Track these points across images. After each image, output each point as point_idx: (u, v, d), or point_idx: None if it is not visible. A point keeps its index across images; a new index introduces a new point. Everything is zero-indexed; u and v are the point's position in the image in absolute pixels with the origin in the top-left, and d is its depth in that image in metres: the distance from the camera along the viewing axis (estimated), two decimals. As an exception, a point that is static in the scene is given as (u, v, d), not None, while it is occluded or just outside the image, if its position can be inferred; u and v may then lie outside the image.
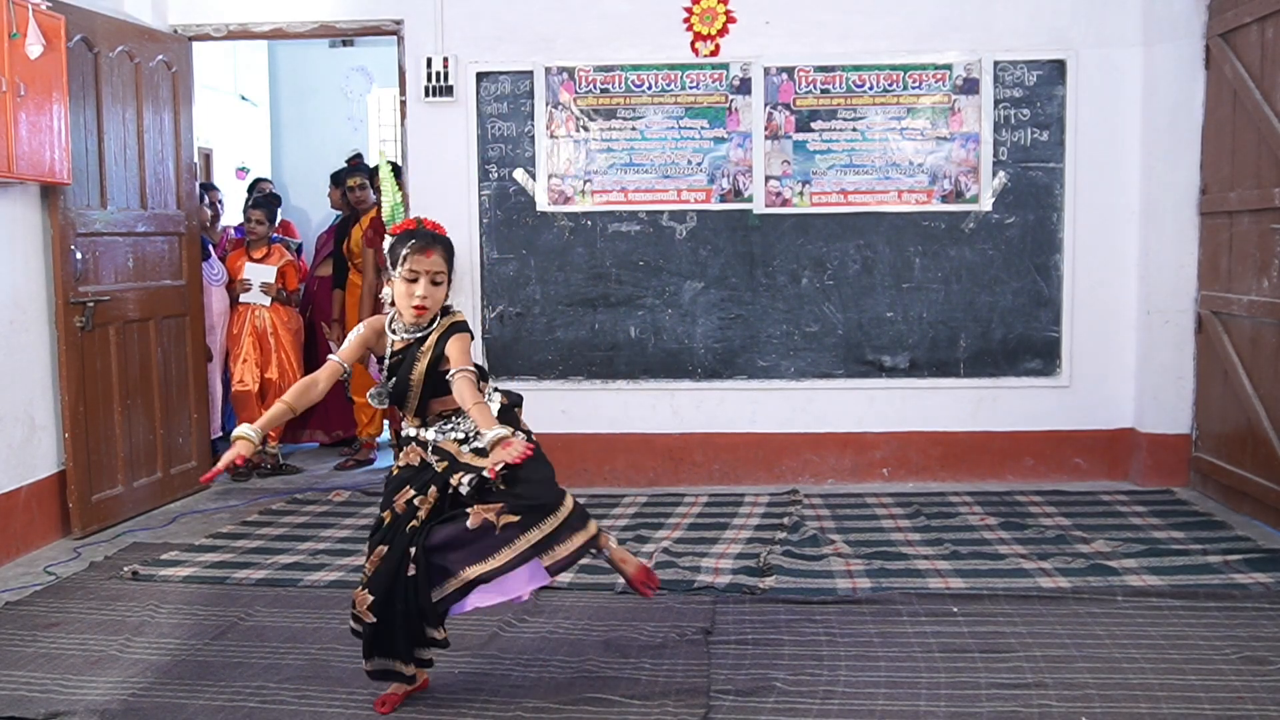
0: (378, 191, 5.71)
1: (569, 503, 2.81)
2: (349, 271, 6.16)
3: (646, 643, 3.28)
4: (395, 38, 5.52)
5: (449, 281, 2.84)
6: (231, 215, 7.37)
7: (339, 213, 6.77)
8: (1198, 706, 2.79)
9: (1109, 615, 3.45)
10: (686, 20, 5.36)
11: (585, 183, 5.42)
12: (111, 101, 4.90)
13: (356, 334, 2.92)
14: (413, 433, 2.89)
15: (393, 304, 2.87)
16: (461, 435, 2.82)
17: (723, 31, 5.35)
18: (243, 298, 5.95)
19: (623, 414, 5.49)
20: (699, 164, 5.40)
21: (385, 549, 2.78)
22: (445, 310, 2.88)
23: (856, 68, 5.32)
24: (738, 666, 3.11)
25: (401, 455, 2.92)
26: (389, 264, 2.86)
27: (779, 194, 5.38)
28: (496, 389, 2.94)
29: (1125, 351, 5.35)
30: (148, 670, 3.18)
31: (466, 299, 5.48)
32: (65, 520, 4.66)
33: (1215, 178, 4.95)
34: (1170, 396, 5.19)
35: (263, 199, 6.41)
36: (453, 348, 2.80)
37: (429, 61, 5.37)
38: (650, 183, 5.42)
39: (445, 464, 2.80)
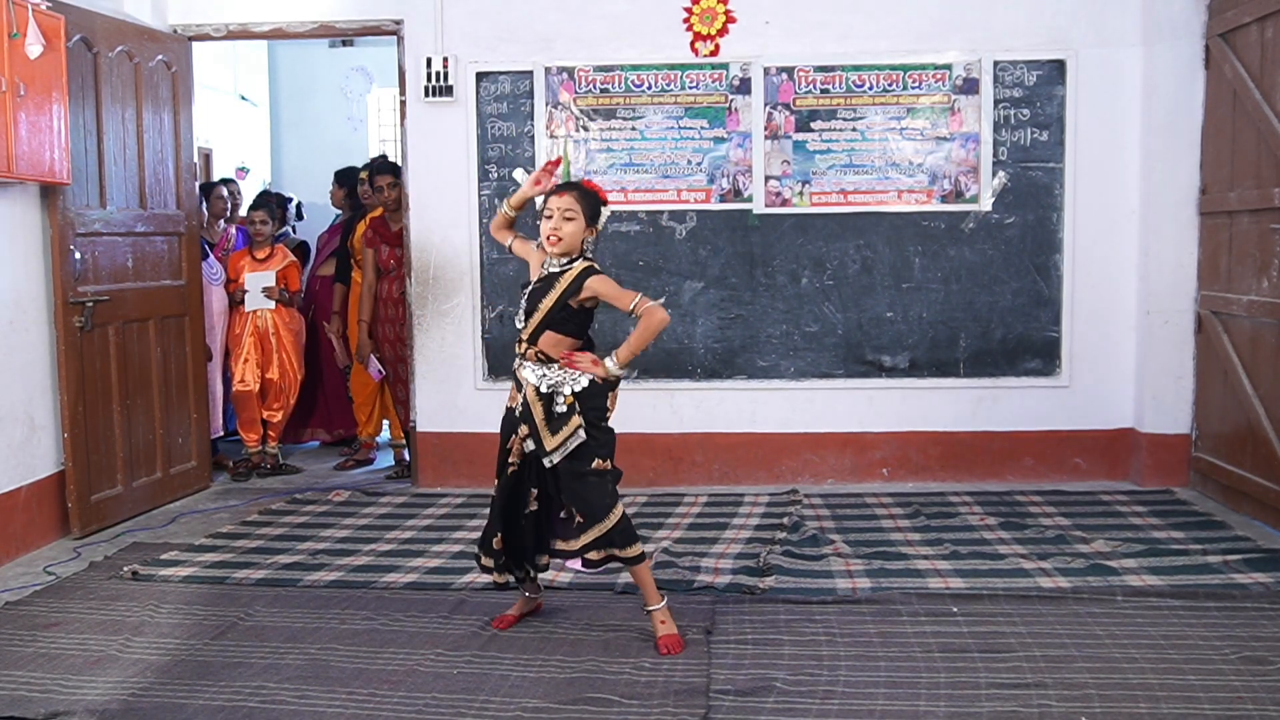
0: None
1: (612, 518, 3.25)
2: (352, 268, 6.15)
3: (646, 643, 3.28)
4: (395, 38, 5.51)
5: (586, 222, 3.24)
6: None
7: (339, 212, 6.77)
8: (1198, 706, 2.79)
9: (1109, 615, 3.45)
10: (686, 20, 5.35)
11: (585, 183, 5.41)
12: (111, 101, 4.90)
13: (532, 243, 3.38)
14: (516, 364, 3.34)
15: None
16: (546, 389, 3.25)
17: (722, 31, 5.34)
18: (246, 305, 5.94)
19: (622, 414, 5.43)
20: (699, 164, 5.40)
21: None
22: (587, 258, 3.29)
23: (856, 68, 5.32)
24: (738, 666, 3.11)
25: (509, 397, 3.39)
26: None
27: (779, 194, 5.38)
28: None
29: (1125, 351, 5.35)
30: (148, 670, 3.18)
31: (466, 299, 5.49)
32: (65, 520, 4.66)
33: (1215, 178, 4.95)
34: (1170, 396, 5.19)
35: (260, 199, 6.39)
36: (602, 284, 3.22)
37: (429, 61, 5.37)
38: (650, 183, 5.42)
39: (527, 431, 3.26)
